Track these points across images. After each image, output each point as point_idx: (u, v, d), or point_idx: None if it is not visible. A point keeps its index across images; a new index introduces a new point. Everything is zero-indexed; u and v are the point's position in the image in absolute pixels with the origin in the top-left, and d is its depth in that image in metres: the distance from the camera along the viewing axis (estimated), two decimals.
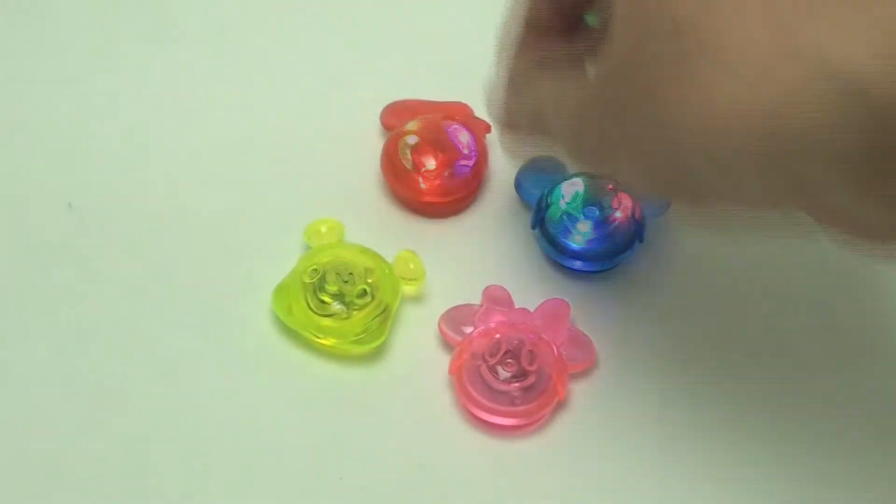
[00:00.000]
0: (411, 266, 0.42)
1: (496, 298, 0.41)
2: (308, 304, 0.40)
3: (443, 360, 0.40)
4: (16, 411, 0.39)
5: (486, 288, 0.41)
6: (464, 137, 0.44)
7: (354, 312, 0.40)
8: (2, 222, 0.43)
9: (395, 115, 0.45)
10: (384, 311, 0.40)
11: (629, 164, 0.31)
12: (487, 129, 0.45)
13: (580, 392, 0.40)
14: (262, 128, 0.46)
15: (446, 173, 0.43)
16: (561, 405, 0.40)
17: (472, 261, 0.42)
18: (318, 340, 0.40)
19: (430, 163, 0.43)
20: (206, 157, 0.45)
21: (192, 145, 0.45)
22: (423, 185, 0.43)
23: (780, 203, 0.29)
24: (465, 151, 0.44)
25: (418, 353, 0.41)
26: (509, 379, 0.39)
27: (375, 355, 0.40)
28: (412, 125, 0.44)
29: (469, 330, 0.40)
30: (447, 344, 0.41)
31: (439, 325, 0.41)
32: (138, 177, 0.44)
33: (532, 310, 0.41)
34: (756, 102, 0.27)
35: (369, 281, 0.41)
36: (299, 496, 0.38)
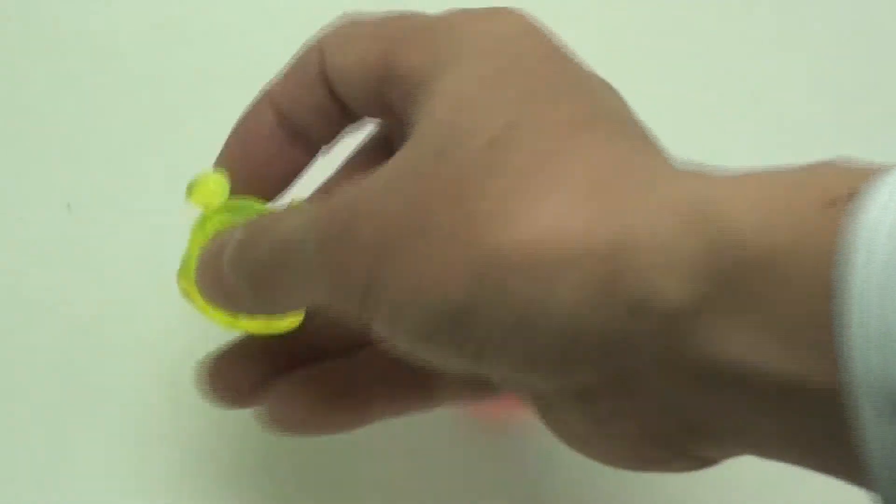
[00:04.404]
0: None
1: None
2: None
3: None
4: (16, 411, 0.39)
5: None
6: None
7: None
8: (1, 222, 0.43)
9: None
10: None
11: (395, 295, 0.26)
12: None
13: None
14: None
15: None
16: None
17: None
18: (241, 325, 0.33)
19: None
20: (206, 157, 0.45)
21: (192, 145, 0.45)
22: None
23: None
24: None
25: None
26: None
27: None
28: None
29: None
30: None
31: None
32: (138, 177, 0.44)
33: None
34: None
35: None
36: (299, 496, 0.38)
